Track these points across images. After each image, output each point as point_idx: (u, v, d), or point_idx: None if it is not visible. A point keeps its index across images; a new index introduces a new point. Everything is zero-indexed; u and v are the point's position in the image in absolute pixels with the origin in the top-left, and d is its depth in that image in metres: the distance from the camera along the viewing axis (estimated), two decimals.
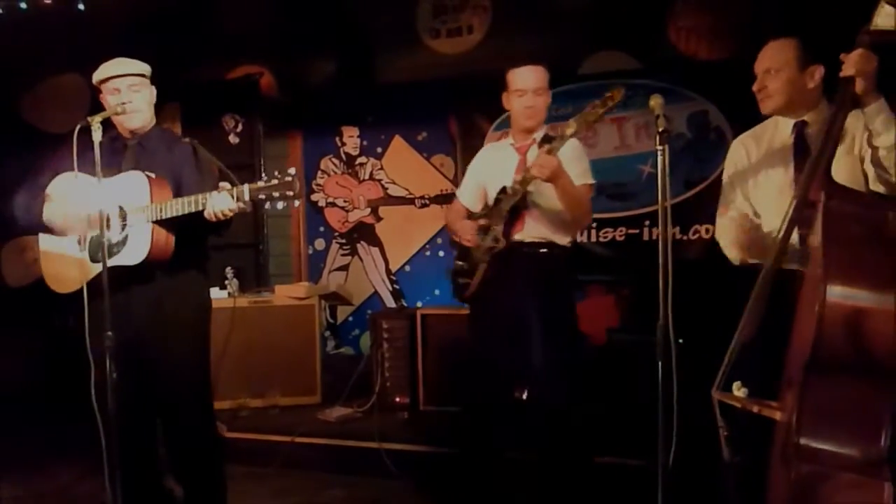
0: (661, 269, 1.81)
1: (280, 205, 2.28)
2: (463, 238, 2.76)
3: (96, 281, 2.26)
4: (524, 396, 2.87)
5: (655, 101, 1.87)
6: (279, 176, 2.26)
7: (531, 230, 2.66)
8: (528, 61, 2.68)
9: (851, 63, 1.91)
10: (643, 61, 4.25)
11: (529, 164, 2.56)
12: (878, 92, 1.94)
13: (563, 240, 2.67)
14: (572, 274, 2.75)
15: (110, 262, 2.27)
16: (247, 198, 2.27)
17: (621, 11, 4.20)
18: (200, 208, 2.31)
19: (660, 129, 1.82)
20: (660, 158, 1.80)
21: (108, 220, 2.33)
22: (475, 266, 2.71)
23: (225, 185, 2.32)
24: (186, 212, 2.33)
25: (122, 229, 2.38)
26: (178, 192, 2.47)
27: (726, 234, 2.32)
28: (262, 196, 2.27)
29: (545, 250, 2.65)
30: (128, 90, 2.47)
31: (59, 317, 4.66)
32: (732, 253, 2.29)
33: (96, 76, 2.53)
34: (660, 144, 1.80)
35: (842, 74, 1.94)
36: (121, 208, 2.38)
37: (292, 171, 2.27)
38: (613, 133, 4.24)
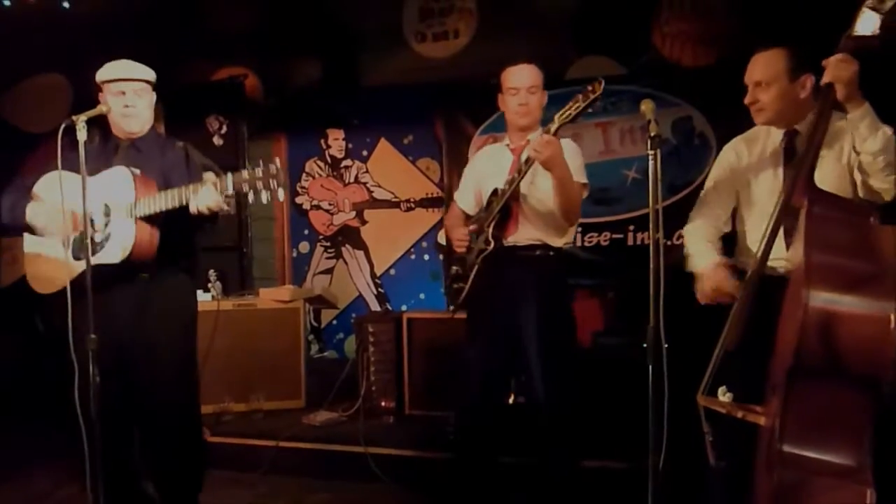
0: (653, 272, 1.81)
1: (265, 197, 2.23)
2: (456, 243, 2.75)
3: (80, 280, 2.22)
4: (516, 400, 2.85)
5: (647, 106, 1.86)
6: (263, 167, 2.23)
7: (524, 232, 2.64)
8: (521, 59, 2.63)
9: (830, 69, 1.92)
10: (628, 67, 4.27)
11: (530, 147, 2.43)
12: (863, 98, 1.95)
13: (557, 241, 2.65)
14: (567, 275, 2.72)
15: (93, 260, 2.23)
16: (230, 189, 2.23)
17: (607, 17, 4.23)
18: (185, 202, 2.28)
19: (651, 134, 1.81)
20: (651, 163, 1.80)
21: (91, 218, 2.29)
22: (469, 270, 2.70)
23: (209, 175, 2.29)
24: (170, 206, 2.31)
25: (106, 226, 2.35)
26: None
27: (692, 237, 2.37)
28: (245, 187, 2.23)
29: (539, 252, 2.63)
30: (133, 94, 2.47)
31: (40, 320, 4.60)
32: (691, 263, 2.31)
33: (101, 74, 2.49)
34: (651, 149, 1.80)
35: (822, 82, 1.95)
36: (105, 206, 2.35)
37: (276, 161, 2.24)
38: (598, 138, 4.26)
